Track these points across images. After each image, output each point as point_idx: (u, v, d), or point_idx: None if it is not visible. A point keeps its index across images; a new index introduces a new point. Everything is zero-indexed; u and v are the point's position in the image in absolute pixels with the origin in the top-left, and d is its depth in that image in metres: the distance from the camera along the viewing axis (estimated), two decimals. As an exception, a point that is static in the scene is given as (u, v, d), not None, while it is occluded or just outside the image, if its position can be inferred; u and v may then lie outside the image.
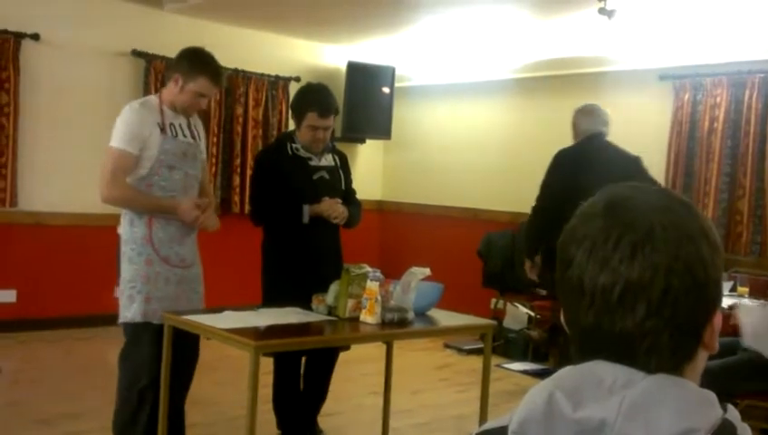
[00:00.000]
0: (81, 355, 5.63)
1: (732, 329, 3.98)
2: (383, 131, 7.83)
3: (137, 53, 6.50)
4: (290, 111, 3.84)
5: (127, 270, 3.26)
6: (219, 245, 6.53)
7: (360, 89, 7.52)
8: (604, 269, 0.87)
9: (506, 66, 7.13)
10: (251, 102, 7.15)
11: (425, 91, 7.92)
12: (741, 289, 4.94)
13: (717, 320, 0.91)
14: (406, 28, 6.65)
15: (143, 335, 3.26)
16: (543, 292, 6.38)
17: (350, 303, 3.28)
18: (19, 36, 5.94)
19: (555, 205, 4.26)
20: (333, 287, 3.38)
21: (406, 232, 7.95)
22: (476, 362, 4.90)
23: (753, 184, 5.66)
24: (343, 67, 7.54)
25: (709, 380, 0.93)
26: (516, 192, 6.55)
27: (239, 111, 7.09)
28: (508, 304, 6.51)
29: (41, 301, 6.13)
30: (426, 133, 7.96)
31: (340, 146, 4.29)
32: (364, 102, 7.56)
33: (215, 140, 6.94)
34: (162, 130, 3.26)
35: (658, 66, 6.13)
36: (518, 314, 6.41)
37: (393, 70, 7.74)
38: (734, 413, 0.85)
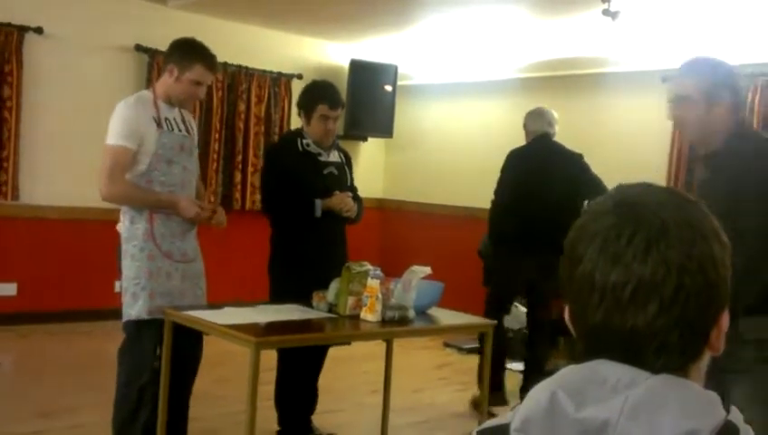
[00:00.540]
0: (81, 349, 5.63)
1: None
2: (385, 130, 7.82)
3: (140, 49, 6.50)
4: (298, 109, 3.87)
5: (129, 267, 3.24)
6: (221, 241, 6.53)
7: (363, 87, 7.52)
8: (616, 266, 0.87)
9: (509, 66, 7.13)
10: (253, 99, 7.15)
11: (427, 89, 7.92)
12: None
13: (724, 321, 0.91)
14: (409, 27, 6.65)
15: (145, 332, 3.25)
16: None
17: (351, 300, 3.29)
18: (22, 30, 5.94)
19: (508, 200, 4.79)
20: (334, 285, 3.38)
21: (407, 230, 7.96)
22: (476, 361, 4.90)
23: (754, 187, 5.66)
24: (346, 65, 7.54)
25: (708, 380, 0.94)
26: (517, 192, 6.53)
27: (241, 107, 7.09)
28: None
29: (41, 294, 6.13)
30: (427, 132, 7.96)
31: (342, 144, 4.30)
32: (366, 100, 7.56)
33: (217, 136, 6.94)
34: (158, 124, 3.24)
35: (661, 68, 6.13)
36: (518, 313, 6.41)
37: (396, 68, 7.74)
38: (736, 415, 0.85)
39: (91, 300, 6.28)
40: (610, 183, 1.00)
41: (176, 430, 3.42)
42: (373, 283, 3.23)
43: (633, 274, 0.86)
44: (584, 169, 4.85)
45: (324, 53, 7.74)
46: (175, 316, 3.20)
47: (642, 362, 0.87)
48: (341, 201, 3.76)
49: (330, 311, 3.35)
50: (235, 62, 6.92)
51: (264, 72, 7.21)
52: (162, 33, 6.51)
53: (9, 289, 6.06)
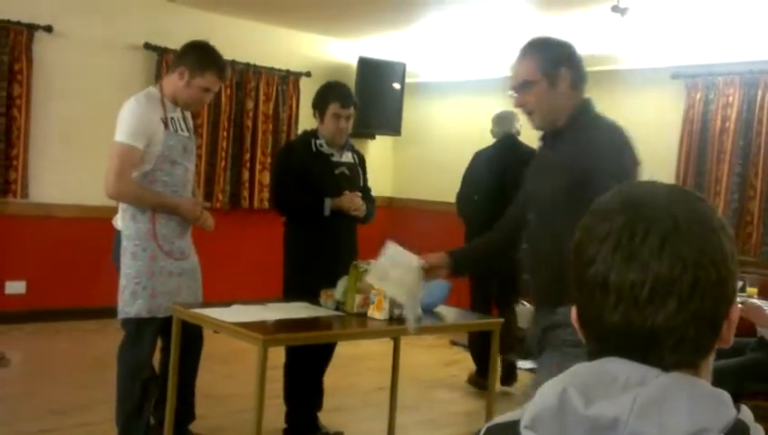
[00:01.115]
0: (91, 346, 5.65)
1: (740, 329, 3.96)
2: (393, 127, 7.82)
3: (149, 46, 6.51)
4: (312, 109, 3.93)
5: (131, 266, 3.25)
6: (229, 239, 6.54)
7: (371, 84, 7.52)
8: (632, 265, 0.86)
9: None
10: (261, 97, 7.15)
11: (435, 87, 7.91)
12: (750, 290, 4.92)
13: (735, 313, 0.91)
14: (416, 23, 6.63)
15: (146, 330, 3.28)
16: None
17: (358, 298, 3.29)
18: (32, 28, 5.96)
19: (469, 195, 5.34)
20: (342, 283, 3.40)
21: (415, 228, 7.94)
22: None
23: (764, 185, 5.64)
24: (354, 63, 7.54)
25: (717, 379, 0.93)
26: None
27: (249, 105, 7.09)
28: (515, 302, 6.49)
29: (51, 292, 6.15)
30: (435, 130, 7.95)
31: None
32: (374, 98, 7.55)
33: (225, 134, 6.95)
34: (165, 125, 3.25)
35: (671, 65, 6.10)
36: (525, 311, 6.40)
37: (404, 66, 7.74)
38: (747, 413, 0.85)
39: (99, 298, 6.28)
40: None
41: (182, 425, 3.44)
42: (381, 281, 3.23)
43: (650, 272, 0.86)
44: None
45: (332, 50, 7.73)
46: (184, 314, 3.22)
47: (655, 359, 0.86)
48: (350, 201, 3.82)
49: (337, 309, 3.36)
50: (244, 60, 6.92)
51: (273, 69, 7.22)
52: (171, 30, 6.53)
53: (18, 287, 6.08)
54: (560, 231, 2.38)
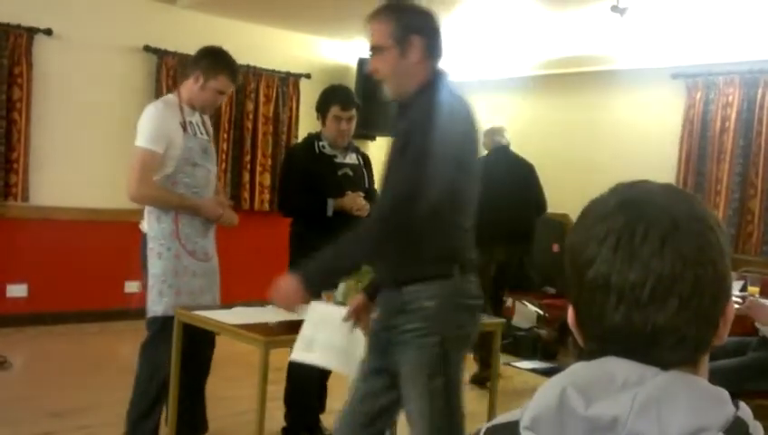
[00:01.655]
0: (91, 350, 5.65)
1: (742, 328, 3.96)
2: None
3: (149, 49, 6.52)
4: (316, 113, 3.98)
5: (156, 265, 3.33)
6: (230, 241, 6.54)
7: (371, 85, 7.41)
8: (634, 264, 0.86)
9: (517, 64, 7.11)
10: (261, 99, 7.16)
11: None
12: (751, 289, 4.91)
13: (730, 310, 0.91)
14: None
15: (170, 328, 3.32)
16: (552, 290, 6.43)
17: (360, 299, 3.28)
18: (32, 31, 5.97)
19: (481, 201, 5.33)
20: (343, 284, 3.39)
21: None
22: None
23: (764, 184, 5.64)
24: (354, 64, 7.54)
25: (719, 379, 0.93)
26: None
27: (250, 107, 7.10)
28: (517, 303, 6.50)
29: (52, 295, 6.16)
30: (436, 131, 7.94)
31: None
32: (374, 99, 7.47)
33: (225, 136, 6.96)
34: (184, 129, 3.36)
35: (671, 65, 6.11)
36: (527, 312, 6.41)
37: (404, 67, 7.73)
38: (746, 411, 0.85)
39: (101, 301, 6.31)
40: (621, 179, 0.98)
41: (196, 419, 3.51)
42: (382, 282, 3.23)
43: (652, 271, 0.86)
44: (531, 172, 5.66)
45: (332, 52, 7.74)
46: (185, 316, 3.22)
47: (655, 358, 0.86)
48: (353, 201, 3.84)
49: (338, 310, 3.35)
50: (244, 62, 6.91)
51: (273, 71, 7.22)
52: (171, 33, 6.54)
53: (20, 290, 6.09)
54: None
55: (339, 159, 3.94)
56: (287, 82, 7.31)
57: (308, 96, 6.89)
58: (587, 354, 0.91)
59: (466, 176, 2.39)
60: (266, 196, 7.17)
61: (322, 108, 3.91)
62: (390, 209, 2.30)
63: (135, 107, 6.68)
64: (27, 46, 5.94)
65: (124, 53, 6.48)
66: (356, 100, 3.98)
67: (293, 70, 7.34)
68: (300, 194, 3.85)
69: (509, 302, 6.57)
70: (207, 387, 3.67)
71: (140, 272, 3.44)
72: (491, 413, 3.59)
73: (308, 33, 7.47)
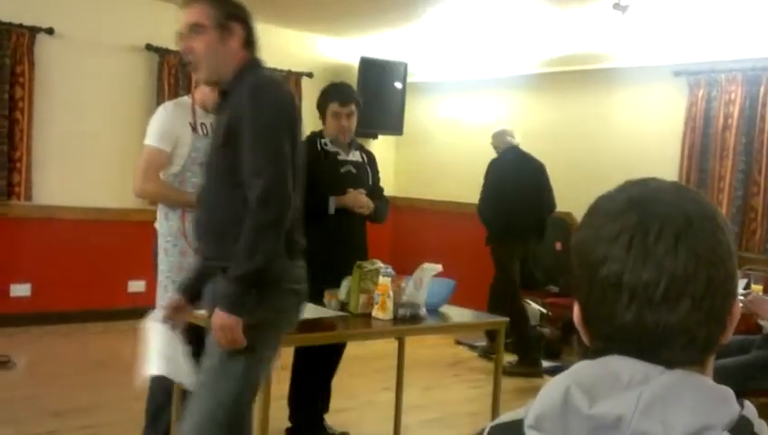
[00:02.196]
0: (95, 349, 5.65)
1: (745, 326, 3.95)
2: (395, 127, 7.82)
3: (150, 48, 6.52)
4: (317, 111, 3.97)
5: (163, 261, 3.38)
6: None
7: (373, 84, 7.52)
8: (647, 263, 0.85)
9: (519, 62, 7.11)
10: (264, 98, 7.14)
11: (436, 86, 7.91)
12: (755, 287, 4.90)
13: (737, 309, 0.90)
14: (417, 19, 6.62)
15: None
16: (556, 289, 6.43)
17: (363, 298, 3.29)
18: (34, 30, 5.97)
19: (499, 199, 5.68)
20: (345, 283, 3.39)
21: (418, 228, 7.95)
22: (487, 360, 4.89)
23: (767, 181, 5.62)
24: (356, 63, 7.54)
25: (723, 377, 0.93)
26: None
27: (252, 106, 7.08)
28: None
29: (55, 295, 6.16)
30: (437, 129, 7.95)
31: (353, 141, 4.32)
32: (376, 98, 7.54)
33: (227, 135, 6.95)
34: (194, 129, 3.39)
35: (673, 62, 6.09)
36: (531, 310, 6.40)
37: (405, 65, 7.74)
38: (751, 410, 0.85)
39: (104, 300, 6.31)
40: (624, 177, 0.98)
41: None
42: (384, 281, 3.23)
43: (665, 270, 0.85)
44: (543, 171, 5.80)
45: (334, 50, 7.74)
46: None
47: (663, 358, 0.86)
48: (354, 198, 3.83)
49: (341, 309, 3.35)
50: (245, 61, 6.92)
51: (274, 70, 7.20)
52: (172, 32, 6.51)
53: (23, 290, 6.10)
54: (219, 189, 2.39)
55: (341, 157, 3.92)
56: (289, 81, 7.31)
57: (310, 95, 6.87)
58: (593, 353, 0.90)
59: (298, 151, 2.44)
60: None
61: (322, 105, 3.91)
62: (272, 194, 2.33)
63: (137, 106, 6.73)
64: (29, 45, 5.95)
65: (126, 52, 6.48)
66: (355, 96, 3.98)
67: (295, 68, 7.34)
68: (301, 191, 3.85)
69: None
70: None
71: (151, 269, 3.49)
72: (494, 412, 3.58)
73: (310, 32, 7.47)
